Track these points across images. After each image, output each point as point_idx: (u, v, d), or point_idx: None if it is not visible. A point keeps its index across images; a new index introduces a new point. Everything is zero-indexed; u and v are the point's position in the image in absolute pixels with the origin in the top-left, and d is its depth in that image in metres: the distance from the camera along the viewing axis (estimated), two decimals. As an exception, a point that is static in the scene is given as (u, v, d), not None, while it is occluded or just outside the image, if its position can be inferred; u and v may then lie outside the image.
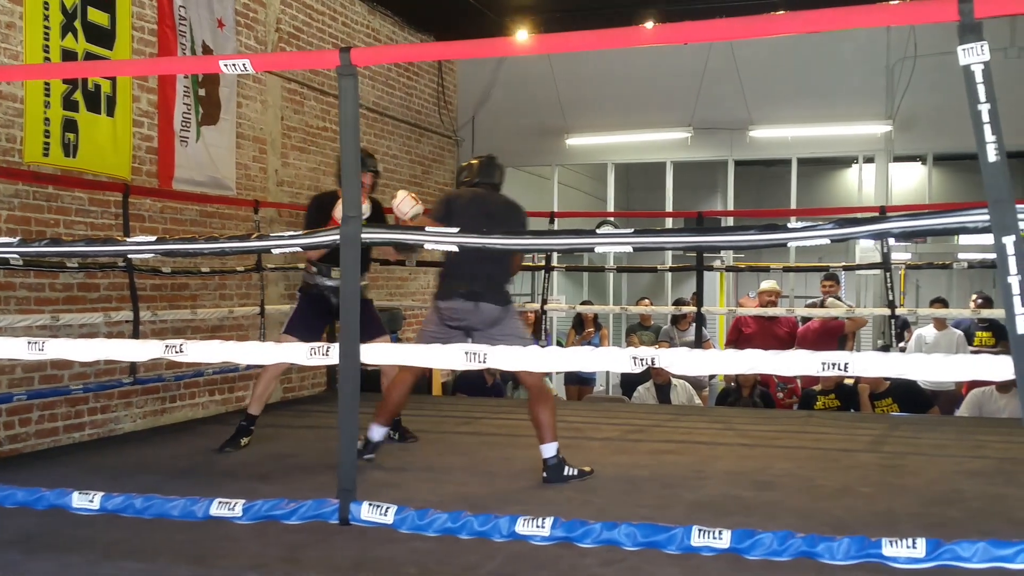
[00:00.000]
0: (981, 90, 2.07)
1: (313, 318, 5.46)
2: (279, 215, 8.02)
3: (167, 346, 2.79)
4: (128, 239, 3.03)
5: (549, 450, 4.58)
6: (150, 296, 6.51)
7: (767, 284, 8.56)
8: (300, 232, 2.75)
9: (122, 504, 2.75)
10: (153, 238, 2.93)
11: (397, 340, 9.04)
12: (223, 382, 7.30)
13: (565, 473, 4.57)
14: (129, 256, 5.59)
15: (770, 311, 8.18)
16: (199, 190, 7.01)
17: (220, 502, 2.69)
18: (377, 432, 4.98)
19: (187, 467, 5.14)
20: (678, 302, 9.56)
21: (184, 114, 6.89)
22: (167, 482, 4.49)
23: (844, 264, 9.07)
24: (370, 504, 2.56)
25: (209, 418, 6.97)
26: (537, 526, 2.45)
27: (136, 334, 5.93)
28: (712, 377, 9.11)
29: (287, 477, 4.75)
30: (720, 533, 2.30)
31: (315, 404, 7.70)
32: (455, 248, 2.71)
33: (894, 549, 2.17)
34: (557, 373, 9.93)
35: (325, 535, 3.41)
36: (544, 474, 4.57)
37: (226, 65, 2.71)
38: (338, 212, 4.61)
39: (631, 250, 2.71)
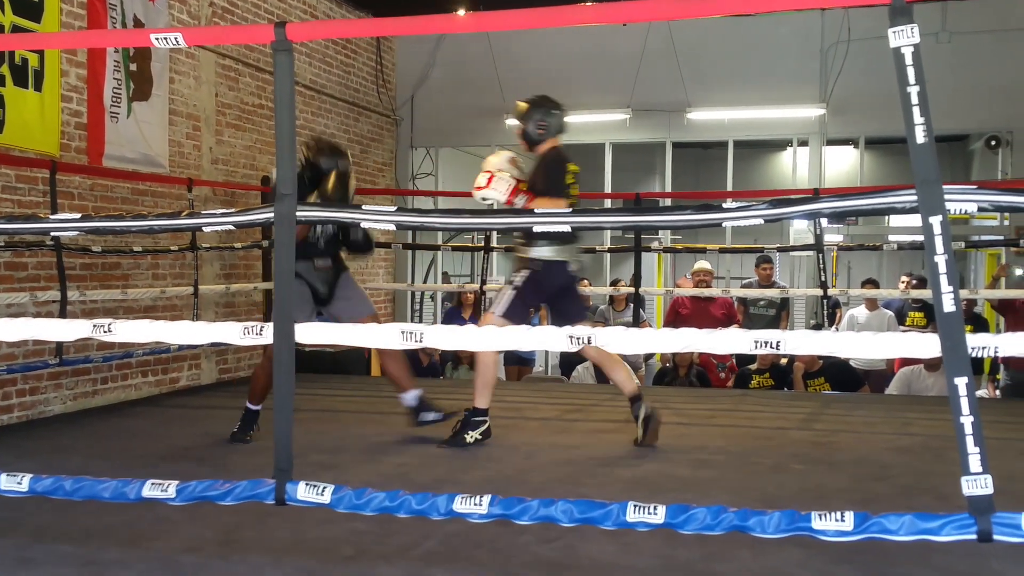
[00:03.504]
0: (911, 72, 2.11)
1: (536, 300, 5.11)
2: (214, 193, 7.89)
3: (95, 325, 2.73)
4: (52, 216, 2.95)
5: (410, 396, 5.12)
6: (80, 276, 6.37)
7: (699, 264, 8.66)
8: (232, 210, 2.70)
9: (51, 486, 2.69)
10: (78, 215, 2.86)
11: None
12: (156, 363, 7.18)
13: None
14: (57, 234, 5.45)
15: (706, 292, 8.28)
16: (130, 167, 6.85)
17: (153, 483, 2.64)
18: (409, 397, 5.20)
19: (119, 449, 5.05)
20: (615, 283, 9.63)
21: (114, 89, 6.72)
22: (98, 464, 4.41)
23: (778, 246, 9.20)
24: (307, 484, 2.54)
25: (142, 400, 6.86)
26: (475, 504, 2.45)
27: (63, 314, 5.79)
28: (650, 357, 9.20)
29: (223, 459, 4.69)
30: (655, 509, 2.33)
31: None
32: (392, 227, 2.69)
33: (823, 522, 2.22)
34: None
35: (261, 516, 3.38)
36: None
37: (158, 38, 2.65)
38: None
39: (569, 230, 2.72)
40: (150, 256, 7.05)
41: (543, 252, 4.87)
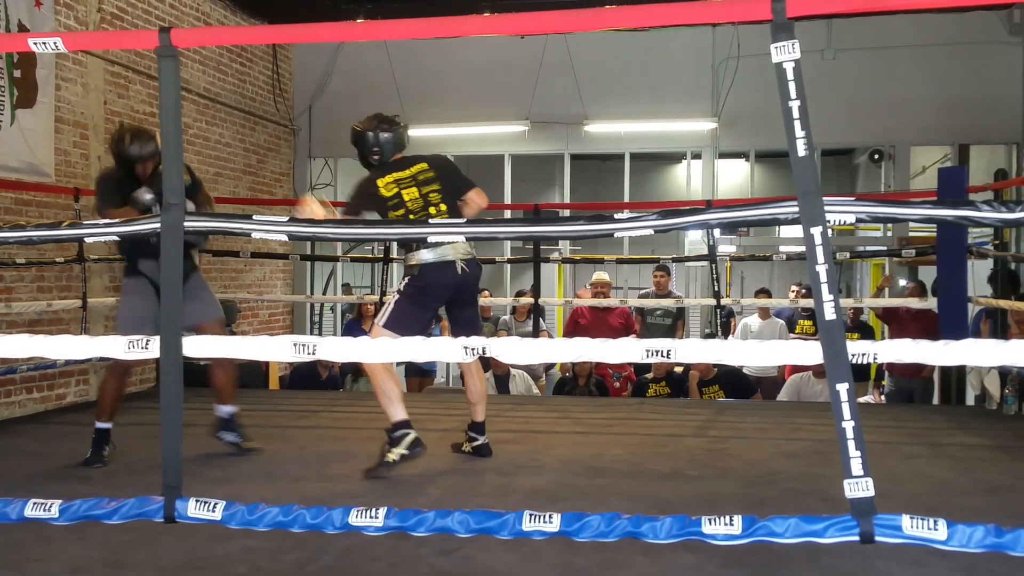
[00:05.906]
0: (792, 87, 2.18)
1: None
2: (103, 204, 7.64)
3: (-29, 340, 2.62)
4: (-73, 226, 2.82)
5: (226, 410, 4.97)
6: (-42, 289, 6.10)
7: (597, 276, 8.79)
8: (117, 220, 2.63)
9: (-78, 510, 2.57)
10: (-45, 225, 2.74)
11: (232, 333, 8.79)
12: (41, 379, 6.91)
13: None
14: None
15: (604, 302, 8.39)
16: (14, 177, 6.60)
17: (35, 503, 2.55)
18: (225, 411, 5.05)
19: (1, 469, 4.84)
20: (519, 293, 9.68)
21: (-4, 96, 6.48)
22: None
23: (674, 256, 9.38)
24: (197, 500, 2.48)
25: (27, 417, 6.59)
26: (370, 517, 2.43)
27: (-58, 330, 5.55)
28: (550, 367, 9.26)
29: (110, 478, 4.54)
30: (550, 517, 2.34)
31: (143, 401, 7.38)
32: (284, 238, 2.65)
33: (713, 527, 2.27)
34: (397, 364, 9.88)
35: (151, 535, 3.28)
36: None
37: (36, 43, 2.56)
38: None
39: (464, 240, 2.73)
40: (35, 268, 6.80)
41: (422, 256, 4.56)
